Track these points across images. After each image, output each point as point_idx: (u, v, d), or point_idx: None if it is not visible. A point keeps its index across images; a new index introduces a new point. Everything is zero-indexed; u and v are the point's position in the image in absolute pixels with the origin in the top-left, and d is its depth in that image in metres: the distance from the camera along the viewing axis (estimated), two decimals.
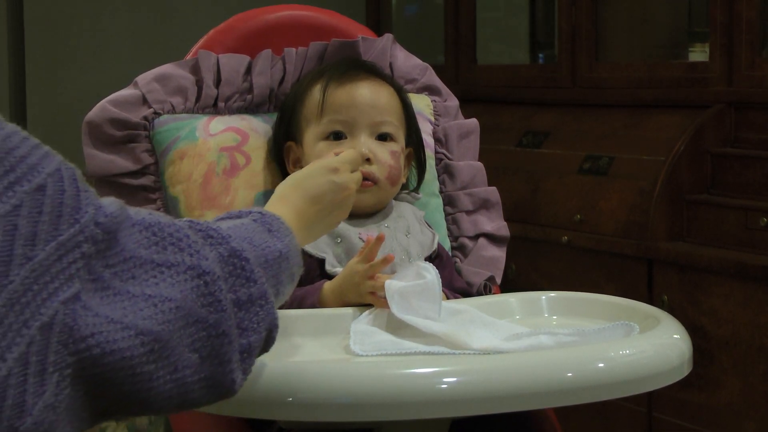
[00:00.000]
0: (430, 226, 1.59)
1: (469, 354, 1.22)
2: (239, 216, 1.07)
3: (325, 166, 1.30)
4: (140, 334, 0.83)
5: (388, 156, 1.52)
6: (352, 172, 1.34)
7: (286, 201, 1.23)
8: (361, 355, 1.23)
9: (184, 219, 0.97)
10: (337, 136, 1.52)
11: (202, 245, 0.92)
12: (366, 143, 1.51)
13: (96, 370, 0.81)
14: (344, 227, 1.49)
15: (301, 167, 1.53)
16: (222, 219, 1.07)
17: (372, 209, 1.54)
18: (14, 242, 0.77)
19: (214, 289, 0.91)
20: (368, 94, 1.54)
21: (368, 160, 1.50)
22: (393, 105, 1.56)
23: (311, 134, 1.54)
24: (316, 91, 1.55)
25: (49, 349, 0.78)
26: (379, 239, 1.35)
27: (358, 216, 1.51)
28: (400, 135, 1.56)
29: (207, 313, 0.90)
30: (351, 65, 1.59)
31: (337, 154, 1.39)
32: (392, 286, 1.31)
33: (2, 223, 0.77)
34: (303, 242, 1.21)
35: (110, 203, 0.86)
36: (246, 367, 0.96)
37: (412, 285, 1.30)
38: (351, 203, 1.32)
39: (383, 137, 1.54)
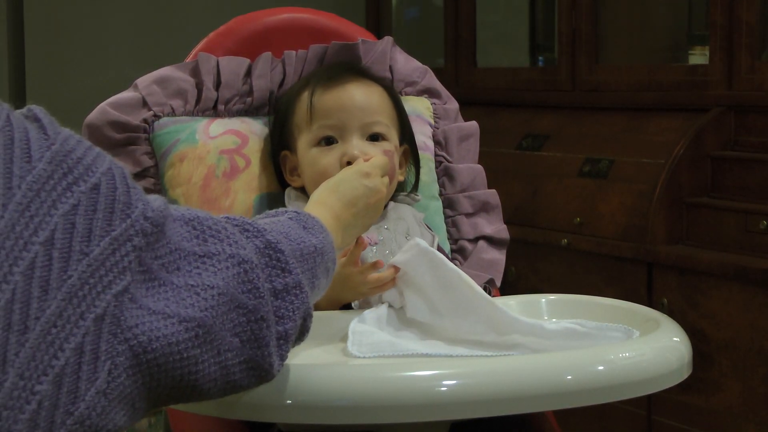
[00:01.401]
0: (430, 229, 1.59)
1: (467, 356, 1.23)
2: (275, 215, 1.12)
3: (357, 171, 1.36)
4: (183, 321, 0.87)
5: (380, 155, 1.52)
6: (382, 176, 1.39)
7: (324, 205, 1.28)
8: (359, 357, 1.23)
9: (222, 215, 1.01)
10: (328, 141, 1.52)
11: (239, 236, 0.97)
12: (357, 145, 1.51)
13: (148, 357, 0.85)
14: None
15: (299, 176, 1.54)
16: (258, 218, 1.11)
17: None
18: (72, 239, 0.82)
19: (252, 277, 0.95)
20: (356, 96, 1.54)
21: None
22: (383, 104, 1.56)
23: (303, 142, 1.54)
24: (304, 99, 1.55)
25: (101, 339, 0.82)
26: (359, 245, 1.37)
27: None
28: (393, 133, 1.56)
29: (247, 299, 0.95)
30: (336, 69, 1.59)
31: (366, 160, 1.42)
32: (399, 262, 1.34)
33: (62, 222, 0.82)
34: (341, 244, 1.27)
35: (155, 199, 0.91)
36: (282, 353, 1.00)
37: (415, 253, 1.32)
38: (382, 206, 1.38)
39: (375, 137, 1.54)
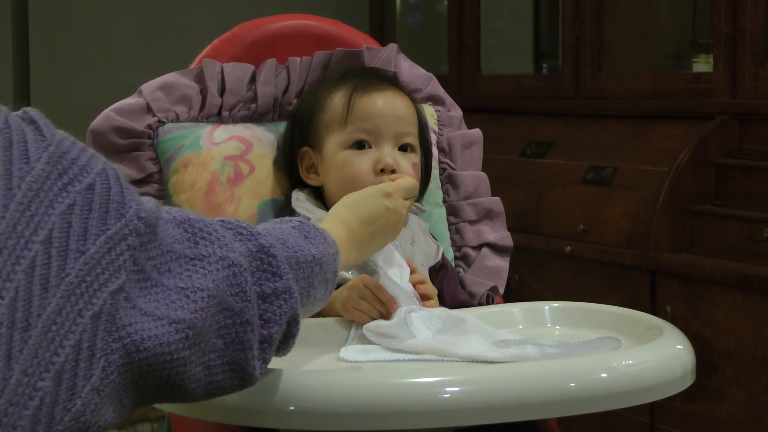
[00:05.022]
0: (434, 238, 1.59)
1: (457, 361, 1.23)
2: (280, 222, 1.13)
3: (379, 190, 1.35)
4: (173, 322, 0.88)
5: (410, 168, 1.52)
6: (405, 199, 1.38)
7: (340, 220, 1.27)
8: (351, 362, 1.24)
9: (217, 218, 1.02)
10: (360, 146, 1.52)
11: (230, 239, 0.98)
12: (390, 154, 1.51)
13: (140, 356, 0.86)
14: None
15: (317, 173, 1.54)
16: (262, 224, 1.11)
17: None
18: (69, 238, 0.83)
19: (240, 280, 0.96)
20: (392, 104, 1.54)
21: (393, 171, 1.50)
22: (412, 116, 1.57)
23: (333, 142, 1.53)
24: (339, 99, 1.54)
25: (97, 336, 0.83)
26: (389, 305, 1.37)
27: None
28: (418, 147, 1.57)
29: (234, 302, 0.96)
30: (375, 75, 1.59)
31: (393, 180, 1.42)
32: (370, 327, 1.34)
33: (59, 221, 0.83)
34: (355, 260, 1.27)
35: (147, 200, 0.92)
36: (265, 356, 1.01)
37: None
38: (401, 227, 1.37)
39: (404, 148, 1.54)
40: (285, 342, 1.06)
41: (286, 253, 1.04)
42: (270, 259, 1.01)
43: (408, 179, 1.42)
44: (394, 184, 1.37)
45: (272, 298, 1.01)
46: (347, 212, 1.29)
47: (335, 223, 1.26)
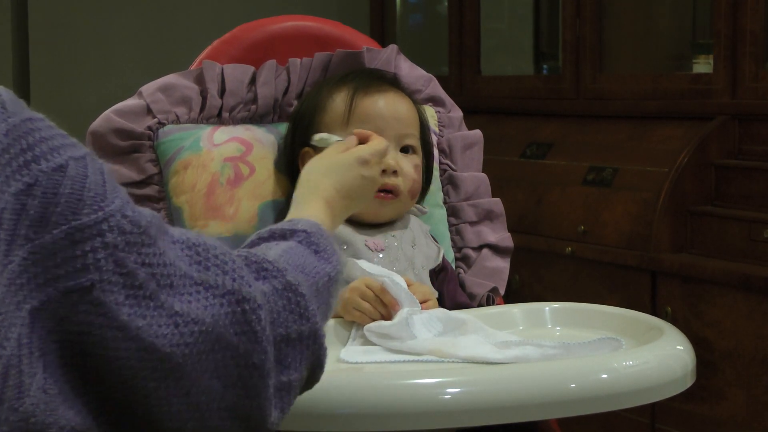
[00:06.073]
0: (435, 240, 1.59)
1: (458, 362, 1.23)
2: (283, 236, 1.03)
3: (357, 157, 1.32)
4: (142, 349, 0.78)
5: (412, 169, 1.52)
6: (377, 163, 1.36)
7: (317, 191, 1.24)
8: (351, 363, 1.24)
9: (242, 249, 0.95)
10: None
11: (249, 275, 0.88)
12: (392, 155, 1.51)
13: (87, 362, 0.78)
14: (351, 234, 1.49)
15: None
16: (264, 238, 1.03)
17: (388, 221, 1.54)
18: (19, 222, 0.75)
19: (251, 318, 0.85)
20: (394, 105, 1.54)
21: (395, 173, 1.50)
22: (414, 118, 1.57)
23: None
24: (340, 100, 1.54)
25: (34, 333, 0.75)
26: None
27: (369, 224, 1.51)
28: (419, 148, 1.57)
29: (238, 341, 0.85)
30: (376, 76, 1.59)
31: (362, 140, 1.39)
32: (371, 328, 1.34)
33: (12, 202, 0.75)
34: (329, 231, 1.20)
35: (145, 209, 0.83)
36: (284, 405, 0.91)
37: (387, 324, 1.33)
38: (373, 194, 1.35)
39: (406, 150, 1.54)
40: (308, 384, 0.96)
41: (308, 285, 0.94)
42: (298, 299, 0.91)
43: (381, 141, 1.40)
44: (370, 149, 1.35)
45: (296, 343, 0.90)
46: (324, 180, 1.26)
47: (314, 195, 1.23)
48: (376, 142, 1.38)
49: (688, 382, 1.21)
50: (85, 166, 0.78)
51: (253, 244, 1.03)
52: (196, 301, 0.82)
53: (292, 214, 1.19)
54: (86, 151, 0.80)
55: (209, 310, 0.83)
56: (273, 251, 0.97)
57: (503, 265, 1.66)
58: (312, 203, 1.22)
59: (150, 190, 1.57)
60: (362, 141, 1.39)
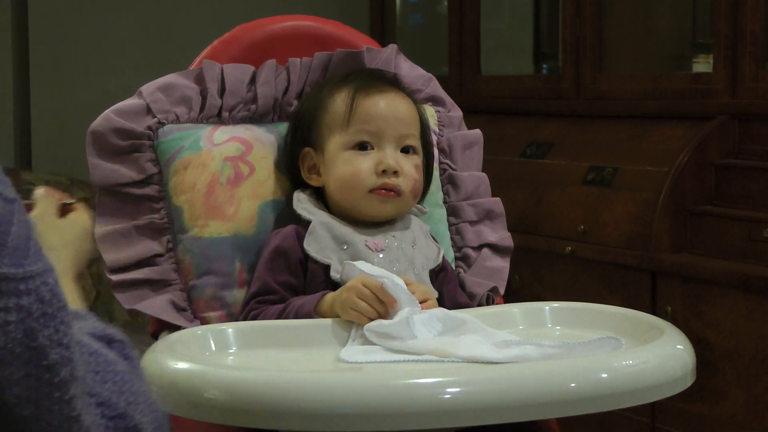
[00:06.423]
0: (435, 241, 1.59)
1: (458, 362, 1.23)
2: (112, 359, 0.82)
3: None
4: None
5: (412, 170, 1.53)
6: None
7: None
8: (351, 362, 1.24)
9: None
10: (362, 147, 1.52)
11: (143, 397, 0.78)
12: (392, 155, 1.51)
13: None
14: (351, 234, 1.49)
15: (318, 174, 1.54)
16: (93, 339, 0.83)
17: (389, 219, 1.54)
18: None
19: None
20: (395, 106, 1.54)
21: (395, 173, 1.50)
22: (414, 118, 1.57)
23: (335, 143, 1.53)
24: (341, 100, 1.54)
25: None
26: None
27: (369, 224, 1.51)
28: (420, 148, 1.57)
29: None
30: (377, 76, 1.59)
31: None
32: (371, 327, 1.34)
33: None
34: None
35: (91, 315, 0.72)
36: None
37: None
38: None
39: (406, 150, 1.54)
40: None
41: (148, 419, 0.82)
42: None
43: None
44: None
45: None
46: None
47: None
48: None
49: (688, 382, 1.21)
50: (11, 212, 0.67)
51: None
52: (85, 413, 0.70)
53: None
54: (17, 197, 0.69)
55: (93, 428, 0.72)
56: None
57: (503, 264, 1.66)
58: None
59: (150, 190, 1.57)
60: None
